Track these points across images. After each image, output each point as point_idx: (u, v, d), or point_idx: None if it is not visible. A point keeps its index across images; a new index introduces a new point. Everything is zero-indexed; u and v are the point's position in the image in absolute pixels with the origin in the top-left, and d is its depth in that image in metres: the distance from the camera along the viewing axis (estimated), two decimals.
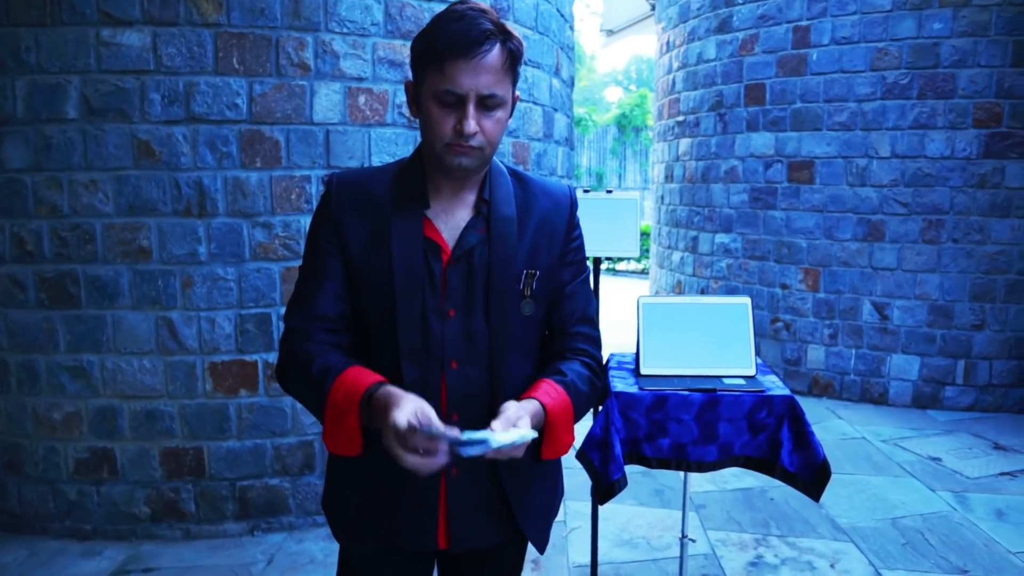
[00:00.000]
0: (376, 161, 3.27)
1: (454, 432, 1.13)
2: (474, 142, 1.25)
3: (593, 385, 1.43)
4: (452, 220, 1.36)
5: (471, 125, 1.23)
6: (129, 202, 3.07)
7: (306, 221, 3.20)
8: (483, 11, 1.25)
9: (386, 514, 1.38)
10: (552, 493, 1.53)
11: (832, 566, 3.08)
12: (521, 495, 1.41)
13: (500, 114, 1.28)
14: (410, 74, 1.32)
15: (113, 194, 3.07)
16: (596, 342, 1.48)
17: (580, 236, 1.48)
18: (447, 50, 1.22)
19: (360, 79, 3.23)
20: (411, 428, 1.11)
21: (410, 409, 1.13)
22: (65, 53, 3.01)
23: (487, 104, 1.25)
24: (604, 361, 2.42)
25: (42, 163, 3.07)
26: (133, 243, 3.09)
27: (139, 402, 3.17)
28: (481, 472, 1.37)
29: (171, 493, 3.22)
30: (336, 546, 1.54)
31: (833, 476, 2.08)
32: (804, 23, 5.44)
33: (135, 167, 3.06)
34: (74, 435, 3.20)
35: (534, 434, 1.20)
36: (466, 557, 1.48)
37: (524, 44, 1.32)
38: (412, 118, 1.41)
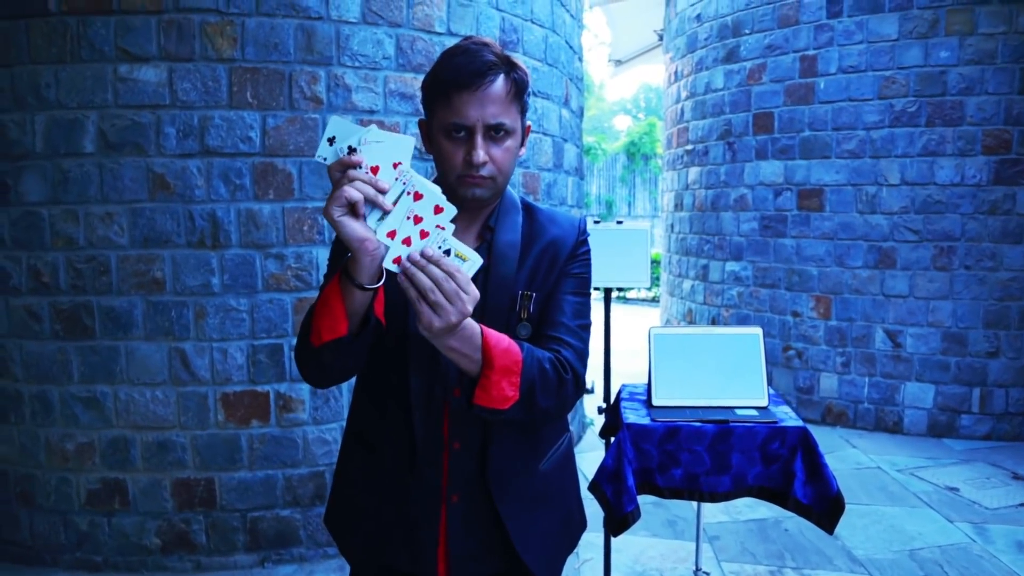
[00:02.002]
0: None
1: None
2: (485, 172, 1.27)
3: (555, 368, 1.30)
4: None
5: (480, 155, 1.26)
6: (144, 234, 3.11)
7: (318, 252, 3.23)
8: (486, 44, 1.29)
9: (386, 535, 1.40)
10: (562, 523, 1.50)
11: None
12: (521, 523, 1.40)
13: (509, 143, 1.30)
14: (420, 106, 1.35)
15: (128, 226, 3.11)
16: (576, 352, 1.36)
17: (585, 261, 1.44)
18: (452, 82, 1.26)
19: (372, 112, 3.27)
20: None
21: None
22: (83, 89, 3.07)
23: (495, 134, 1.28)
24: (616, 393, 2.42)
25: (59, 196, 3.12)
26: (147, 275, 3.12)
27: (151, 433, 3.18)
28: (480, 500, 1.38)
29: (182, 524, 3.21)
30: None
31: (848, 507, 2.06)
32: (811, 52, 5.48)
33: (150, 199, 3.10)
34: (86, 466, 3.21)
35: (477, 260, 1.15)
36: None
37: (530, 74, 1.35)
38: (426, 153, 1.42)
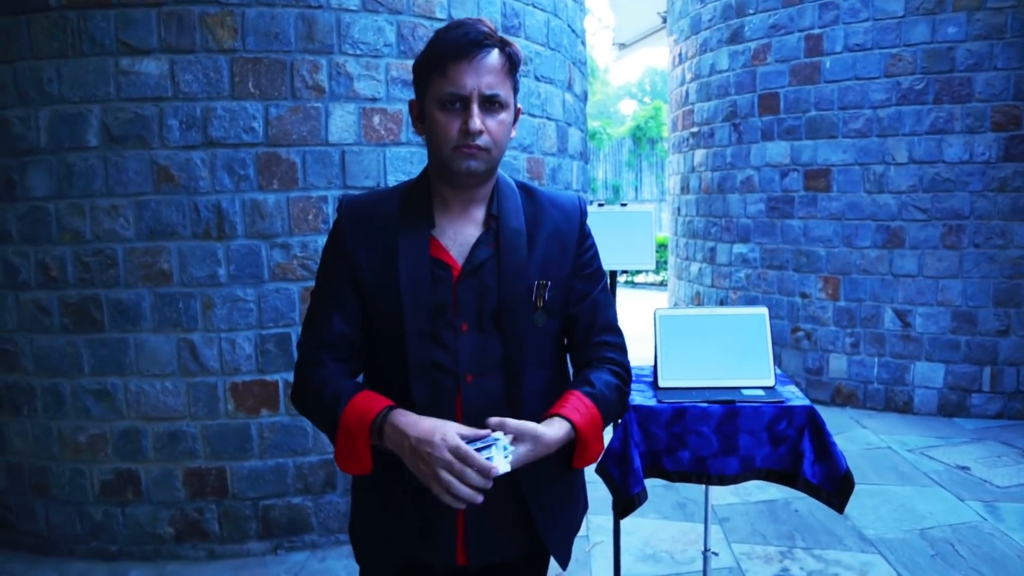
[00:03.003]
0: (391, 180, 3.30)
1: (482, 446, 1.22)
2: (480, 141, 1.27)
3: (621, 392, 1.45)
4: (460, 237, 1.37)
5: (476, 123, 1.26)
6: (150, 226, 3.12)
7: (323, 241, 3.23)
8: (479, 20, 1.30)
9: (405, 528, 1.39)
10: (575, 506, 1.52)
11: None
12: (545, 508, 1.41)
13: (504, 116, 1.31)
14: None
15: (134, 219, 3.12)
16: (621, 348, 1.49)
17: (593, 245, 1.48)
18: (448, 54, 1.26)
19: (374, 99, 3.26)
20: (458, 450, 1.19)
21: (448, 426, 1.23)
22: (86, 83, 3.07)
23: (490, 105, 1.28)
24: None
25: (65, 190, 3.14)
26: (154, 267, 3.14)
27: (162, 424, 3.20)
28: (499, 487, 1.36)
29: (195, 513, 3.24)
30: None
31: (858, 486, 2.06)
32: (816, 31, 5.43)
33: (155, 192, 3.11)
34: (99, 457, 3.24)
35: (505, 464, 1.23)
36: (486, 573, 1.48)
37: (522, 53, 1.36)
38: (417, 134, 1.45)
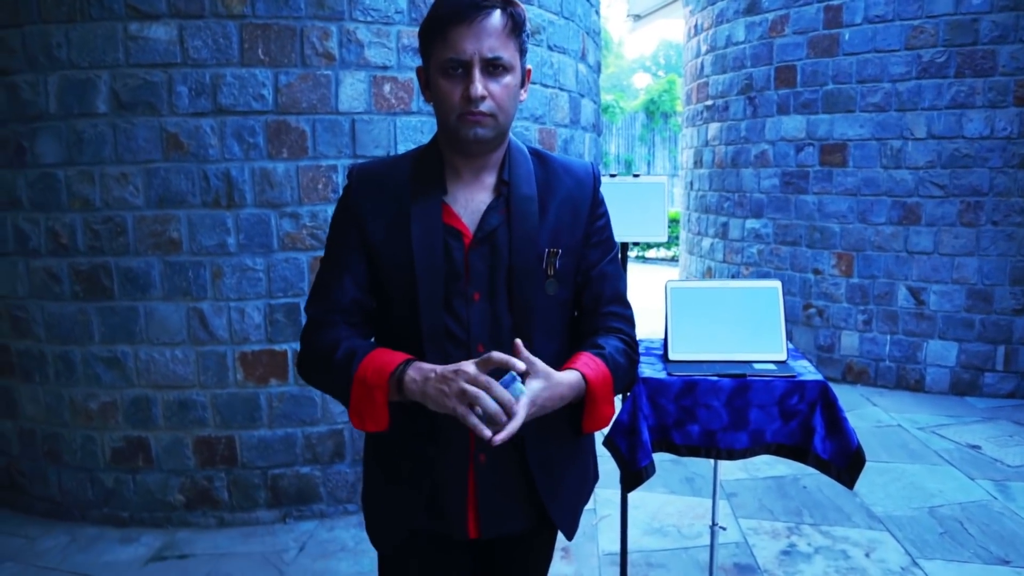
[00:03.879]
0: (402, 150, 3.27)
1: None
2: (484, 107, 1.24)
3: (630, 359, 1.42)
4: (472, 204, 1.35)
5: (477, 88, 1.22)
6: (159, 194, 3.11)
7: (333, 211, 3.21)
8: None
9: (416, 499, 1.38)
10: (583, 478, 1.51)
11: (867, 555, 3.03)
12: (550, 480, 1.40)
13: (508, 80, 1.27)
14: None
15: (143, 187, 3.11)
16: (629, 320, 1.47)
17: (605, 213, 1.46)
18: (448, 18, 1.23)
19: (385, 67, 3.22)
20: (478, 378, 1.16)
21: (467, 363, 1.19)
22: (94, 48, 3.04)
23: (493, 68, 1.25)
24: None
25: (74, 157, 3.12)
26: (163, 235, 3.13)
27: (172, 392, 3.22)
28: (509, 456, 1.36)
29: (204, 481, 3.27)
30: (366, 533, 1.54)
31: (868, 464, 2.04)
32: (836, 2, 5.31)
33: (164, 159, 3.09)
34: (110, 424, 3.26)
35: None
36: (496, 544, 1.48)
37: (526, 12, 1.31)
38: (426, 102, 1.41)
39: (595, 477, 1.57)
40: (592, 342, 1.39)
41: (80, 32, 3.05)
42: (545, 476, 1.39)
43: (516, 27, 1.27)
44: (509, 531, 1.42)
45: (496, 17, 1.24)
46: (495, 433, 1.15)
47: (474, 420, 1.14)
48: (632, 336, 1.45)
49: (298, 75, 3.11)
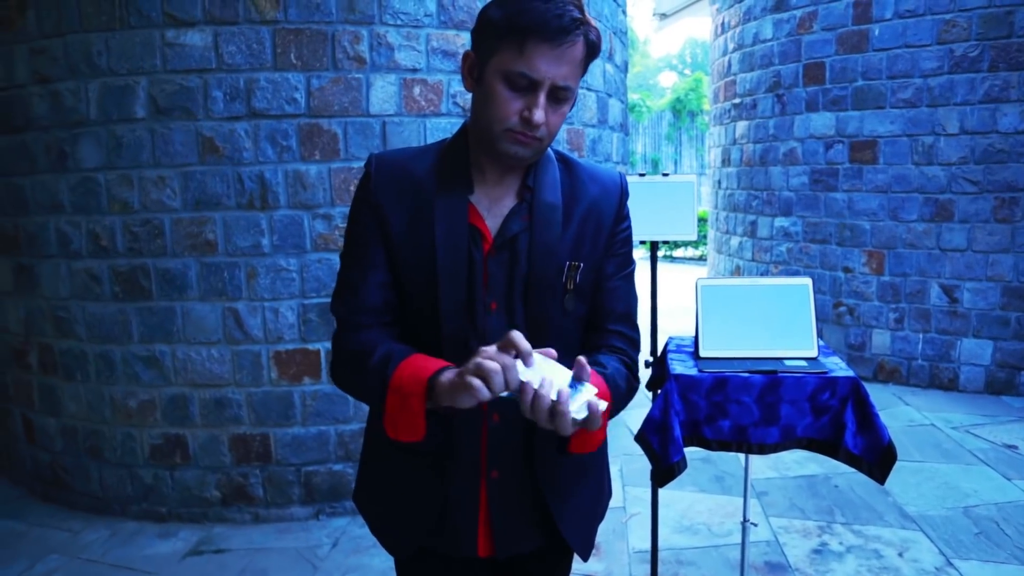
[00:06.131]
0: None
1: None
2: (538, 133, 1.18)
3: (630, 386, 1.33)
4: (496, 207, 1.28)
5: (539, 115, 1.15)
6: (195, 197, 3.18)
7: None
8: None
9: (423, 516, 1.33)
10: (596, 496, 1.46)
11: (900, 555, 3.01)
12: (561, 499, 1.35)
13: (566, 108, 1.21)
14: (464, 55, 1.26)
15: (180, 189, 3.18)
16: (634, 343, 1.39)
17: (629, 228, 1.38)
18: (533, 30, 1.12)
19: (415, 70, 3.26)
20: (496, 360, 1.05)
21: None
22: (133, 55, 3.12)
23: (559, 96, 1.18)
24: (663, 346, 2.41)
25: (114, 162, 3.21)
26: (200, 236, 3.20)
27: (208, 390, 3.29)
28: (521, 475, 1.32)
29: (240, 478, 3.34)
30: None
31: (901, 463, 2.04)
32: None
33: (200, 163, 3.16)
34: (148, 422, 3.34)
35: (603, 404, 1.08)
36: (510, 564, 1.43)
37: (601, 37, 1.24)
38: (466, 90, 1.34)
39: (609, 494, 1.52)
40: (594, 359, 1.28)
41: (119, 40, 3.13)
42: (556, 497, 1.34)
43: (591, 55, 1.21)
44: (522, 551, 1.38)
45: (579, 47, 1.16)
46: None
47: (471, 379, 1.04)
48: (635, 361, 1.37)
49: (330, 78, 3.17)
